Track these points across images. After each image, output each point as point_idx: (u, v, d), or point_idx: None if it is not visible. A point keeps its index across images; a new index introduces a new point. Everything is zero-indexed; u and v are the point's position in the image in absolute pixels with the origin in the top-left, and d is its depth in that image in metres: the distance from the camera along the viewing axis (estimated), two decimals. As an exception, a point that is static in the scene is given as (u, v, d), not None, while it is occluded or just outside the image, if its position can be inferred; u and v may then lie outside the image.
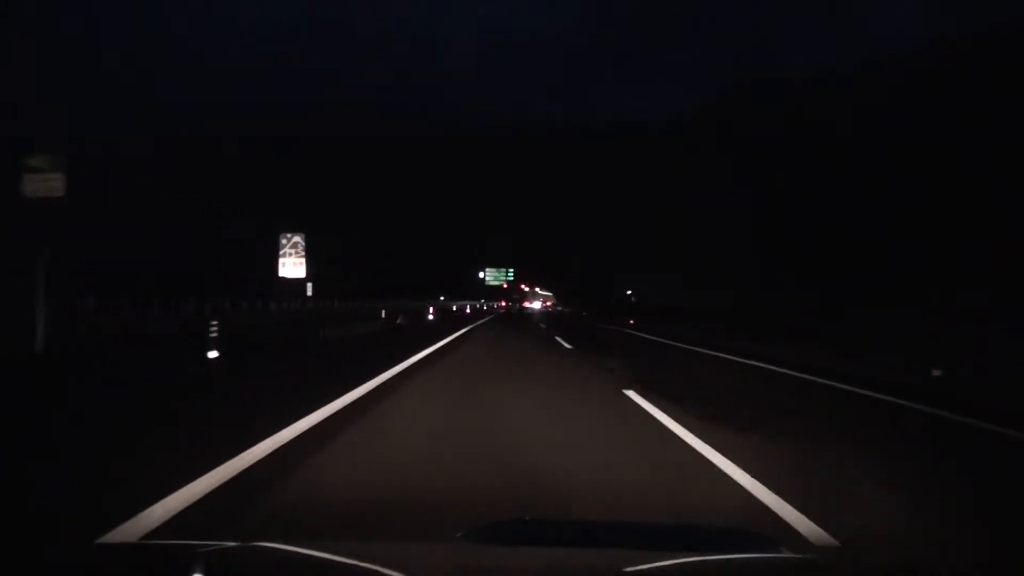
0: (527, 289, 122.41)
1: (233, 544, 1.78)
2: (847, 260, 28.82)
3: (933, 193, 24.92)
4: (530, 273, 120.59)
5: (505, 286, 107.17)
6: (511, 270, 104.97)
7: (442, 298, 59.70)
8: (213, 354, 10.26)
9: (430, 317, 32.49)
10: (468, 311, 56.24)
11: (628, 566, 1.66)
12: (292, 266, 40.14)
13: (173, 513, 3.22)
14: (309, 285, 41.64)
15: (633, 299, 63.18)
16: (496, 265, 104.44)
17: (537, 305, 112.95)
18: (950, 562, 2.71)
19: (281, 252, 40.14)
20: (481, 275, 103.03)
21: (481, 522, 2.31)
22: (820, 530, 3.12)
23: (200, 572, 1.57)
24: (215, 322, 10.63)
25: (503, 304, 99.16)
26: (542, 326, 30.63)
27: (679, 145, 53.83)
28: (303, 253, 40.17)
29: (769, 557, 2.10)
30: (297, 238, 40.44)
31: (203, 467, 3.90)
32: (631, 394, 7.59)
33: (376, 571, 1.52)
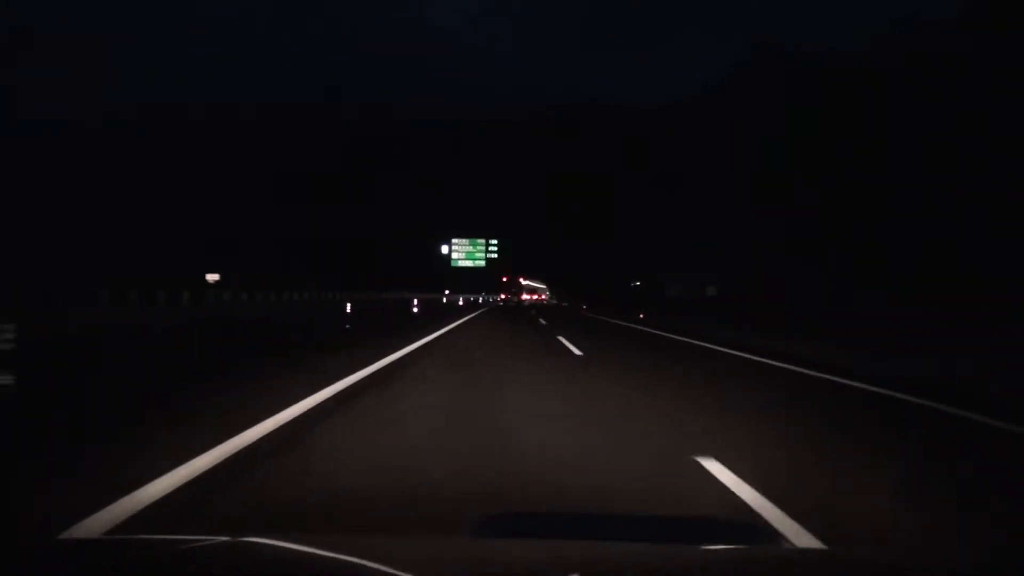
0: (525, 282, 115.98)
1: (223, 539, 1.61)
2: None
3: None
4: (519, 261, 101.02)
5: (505, 278, 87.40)
6: (493, 243, 71.39)
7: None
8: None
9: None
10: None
11: (628, 558, 1.67)
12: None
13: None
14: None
15: (634, 292, 67.06)
16: (468, 235, 71.00)
17: (533, 298, 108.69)
18: (943, 562, 2.62)
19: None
20: (445, 249, 70.64)
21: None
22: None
23: (184, 572, 1.40)
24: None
25: (503, 297, 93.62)
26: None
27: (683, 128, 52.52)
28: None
29: (765, 548, 2.27)
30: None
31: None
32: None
33: (377, 569, 1.46)
